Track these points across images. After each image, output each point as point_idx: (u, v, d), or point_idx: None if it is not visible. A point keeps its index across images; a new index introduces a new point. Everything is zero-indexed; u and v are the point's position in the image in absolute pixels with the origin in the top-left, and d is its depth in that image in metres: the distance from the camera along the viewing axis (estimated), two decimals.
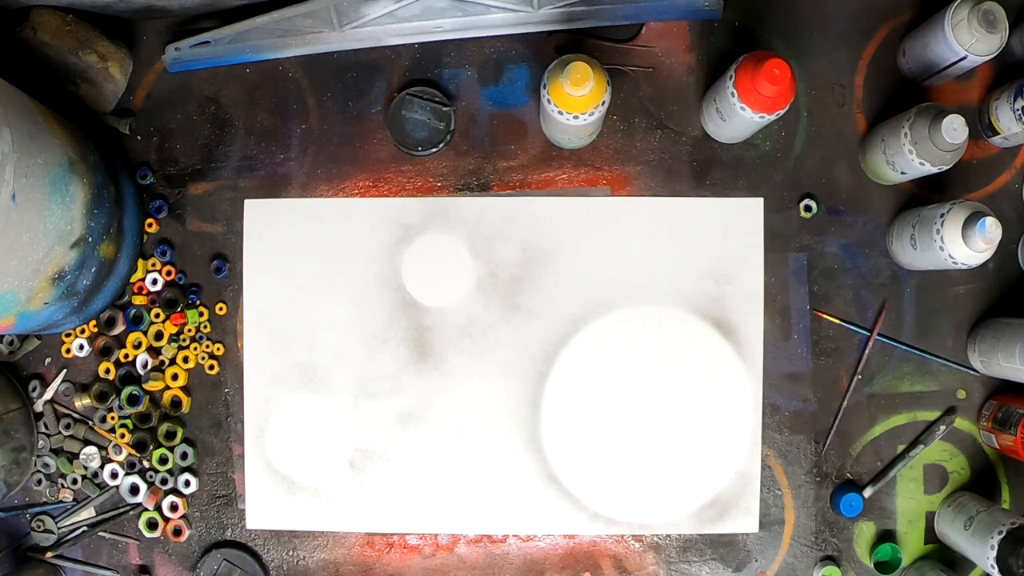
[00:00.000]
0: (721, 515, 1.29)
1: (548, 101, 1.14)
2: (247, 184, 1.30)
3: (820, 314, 1.29)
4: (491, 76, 1.30)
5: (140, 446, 1.29)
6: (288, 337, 1.30)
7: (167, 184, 1.31)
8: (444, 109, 1.28)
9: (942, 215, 1.14)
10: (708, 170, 1.30)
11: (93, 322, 1.29)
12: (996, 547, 1.15)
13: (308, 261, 1.30)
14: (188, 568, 1.30)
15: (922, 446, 1.28)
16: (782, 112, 1.14)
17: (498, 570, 1.30)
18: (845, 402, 1.28)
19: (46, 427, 1.29)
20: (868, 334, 1.28)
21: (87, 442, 1.29)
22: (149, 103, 1.30)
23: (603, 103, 1.14)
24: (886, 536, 1.29)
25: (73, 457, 1.29)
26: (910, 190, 1.29)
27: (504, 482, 1.29)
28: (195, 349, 1.30)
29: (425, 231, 1.30)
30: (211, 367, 1.30)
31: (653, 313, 1.29)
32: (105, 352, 1.29)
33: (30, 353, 1.30)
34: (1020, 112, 1.19)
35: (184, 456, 1.29)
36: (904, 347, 1.29)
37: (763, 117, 1.15)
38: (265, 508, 1.30)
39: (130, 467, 1.29)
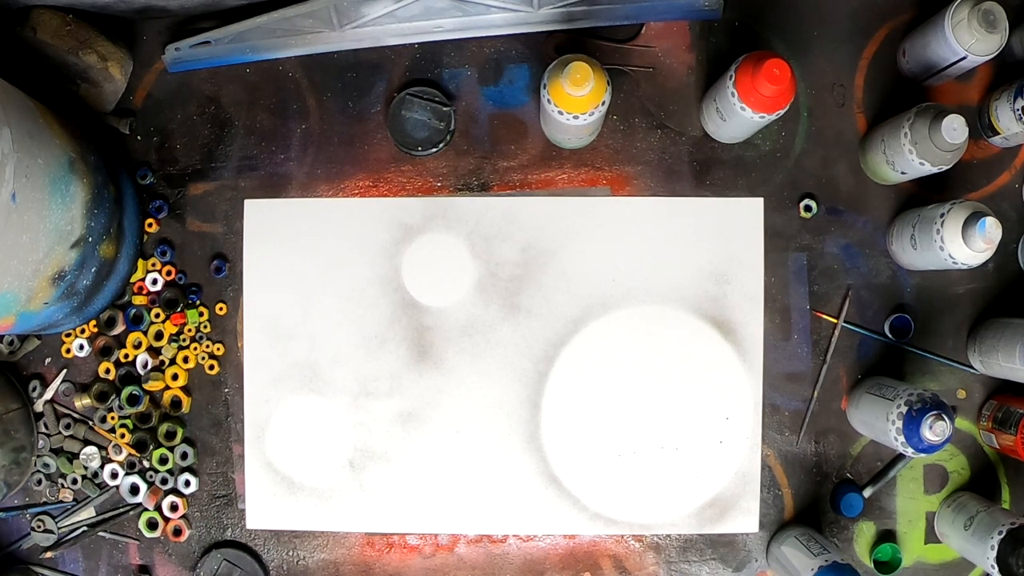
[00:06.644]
0: (721, 515, 1.29)
1: (548, 101, 1.14)
2: (247, 184, 1.30)
3: (820, 314, 1.29)
4: (491, 76, 1.30)
5: (140, 446, 1.29)
6: (288, 337, 1.30)
7: (167, 184, 1.31)
8: (444, 109, 1.28)
9: (942, 215, 1.14)
10: (708, 170, 1.30)
11: (93, 322, 1.29)
12: (996, 547, 1.15)
13: (308, 261, 1.30)
14: (188, 568, 1.30)
15: None
16: (782, 112, 1.14)
17: (498, 570, 1.30)
18: (816, 392, 1.29)
19: (46, 427, 1.29)
20: (869, 334, 1.29)
21: (87, 442, 1.29)
22: (149, 103, 1.30)
23: (603, 103, 1.14)
24: (886, 536, 1.29)
25: (73, 457, 1.29)
26: (910, 190, 1.29)
27: (504, 482, 1.29)
28: (195, 349, 1.30)
29: (425, 231, 1.30)
30: (211, 367, 1.30)
31: (653, 313, 1.29)
32: (105, 352, 1.29)
33: (30, 353, 1.30)
34: (1020, 112, 1.19)
35: (184, 456, 1.29)
36: (904, 346, 1.29)
37: (763, 117, 1.15)
38: (265, 508, 1.30)
39: (130, 467, 1.29)
